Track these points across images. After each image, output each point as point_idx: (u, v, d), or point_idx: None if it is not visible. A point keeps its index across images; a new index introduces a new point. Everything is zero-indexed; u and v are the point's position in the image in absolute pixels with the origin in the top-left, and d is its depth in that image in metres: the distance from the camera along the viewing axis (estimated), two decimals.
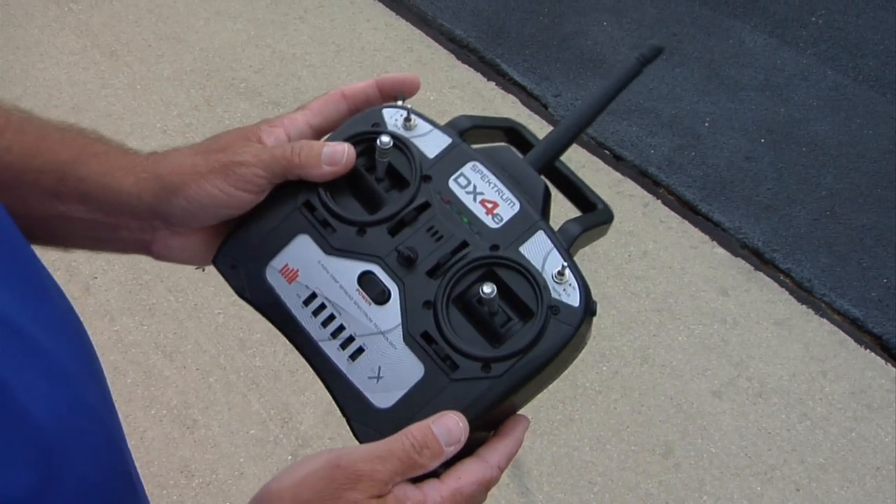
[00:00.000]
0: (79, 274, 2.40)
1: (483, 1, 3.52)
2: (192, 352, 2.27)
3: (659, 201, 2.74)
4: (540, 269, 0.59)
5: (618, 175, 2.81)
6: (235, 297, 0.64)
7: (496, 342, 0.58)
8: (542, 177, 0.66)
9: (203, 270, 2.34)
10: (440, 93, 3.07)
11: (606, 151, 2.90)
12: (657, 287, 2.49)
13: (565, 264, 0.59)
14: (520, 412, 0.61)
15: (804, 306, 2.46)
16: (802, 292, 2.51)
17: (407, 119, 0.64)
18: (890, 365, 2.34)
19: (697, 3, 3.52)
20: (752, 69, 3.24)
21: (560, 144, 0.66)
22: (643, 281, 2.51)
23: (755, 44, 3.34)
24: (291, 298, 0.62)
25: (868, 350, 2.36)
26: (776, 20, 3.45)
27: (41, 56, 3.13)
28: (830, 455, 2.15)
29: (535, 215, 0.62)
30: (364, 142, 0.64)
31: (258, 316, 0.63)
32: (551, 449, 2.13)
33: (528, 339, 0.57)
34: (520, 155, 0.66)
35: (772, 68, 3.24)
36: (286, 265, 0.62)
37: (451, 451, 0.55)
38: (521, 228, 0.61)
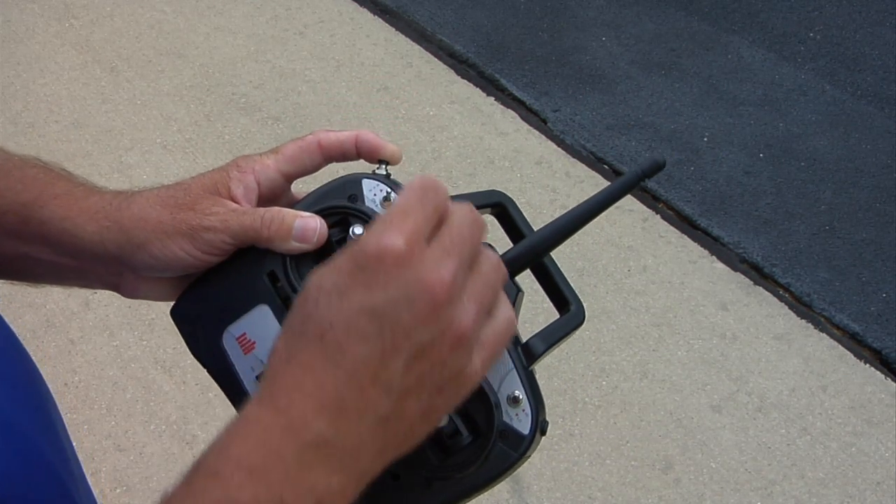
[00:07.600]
0: (78, 289, 2.40)
1: (482, 16, 3.54)
2: (192, 367, 2.26)
3: (658, 216, 2.74)
4: (496, 389, 0.57)
5: None
6: None
7: (440, 452, 0.58)
8: (518, 277, 0.64)
9: None
10: (439, 108, 3.08)
11: (605, 166, 2.91)
12: (656, 302, 2.49)
13: (520, 393, 0.57)
14: None
15: (804, 321, 2.46)
16: (802, 307, 2.51)
17: (386, 199, 0.62)
18: (890, 379, 2.34)
19: (696, 19, 3.53)
20: (751, 84, 3.25)
21: (541, 249, 0.64)
22: (642, 296, 2.51)
23: (753, 59, 3.35)
24: (245, 371, 0.61)
25: (868, 364, 2.36)
26: (774, 35, 3.47)
27: (42, 71, 3.14)
28: (831, 470, 2.14)
29: None
30: (337, 214, 0.61)
31: None
32: (551, 464, 2.13)
33: (471, 460, 0.57)
34: (498, 253, 0.63)
35: (770, 83, 3.25)
36: (244, 334, 0.61)
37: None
38: None
